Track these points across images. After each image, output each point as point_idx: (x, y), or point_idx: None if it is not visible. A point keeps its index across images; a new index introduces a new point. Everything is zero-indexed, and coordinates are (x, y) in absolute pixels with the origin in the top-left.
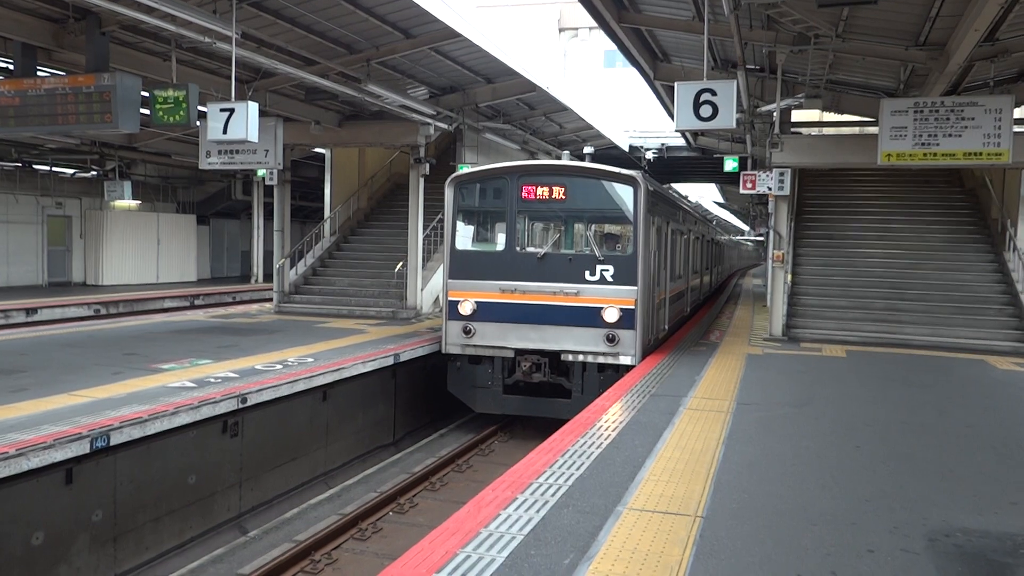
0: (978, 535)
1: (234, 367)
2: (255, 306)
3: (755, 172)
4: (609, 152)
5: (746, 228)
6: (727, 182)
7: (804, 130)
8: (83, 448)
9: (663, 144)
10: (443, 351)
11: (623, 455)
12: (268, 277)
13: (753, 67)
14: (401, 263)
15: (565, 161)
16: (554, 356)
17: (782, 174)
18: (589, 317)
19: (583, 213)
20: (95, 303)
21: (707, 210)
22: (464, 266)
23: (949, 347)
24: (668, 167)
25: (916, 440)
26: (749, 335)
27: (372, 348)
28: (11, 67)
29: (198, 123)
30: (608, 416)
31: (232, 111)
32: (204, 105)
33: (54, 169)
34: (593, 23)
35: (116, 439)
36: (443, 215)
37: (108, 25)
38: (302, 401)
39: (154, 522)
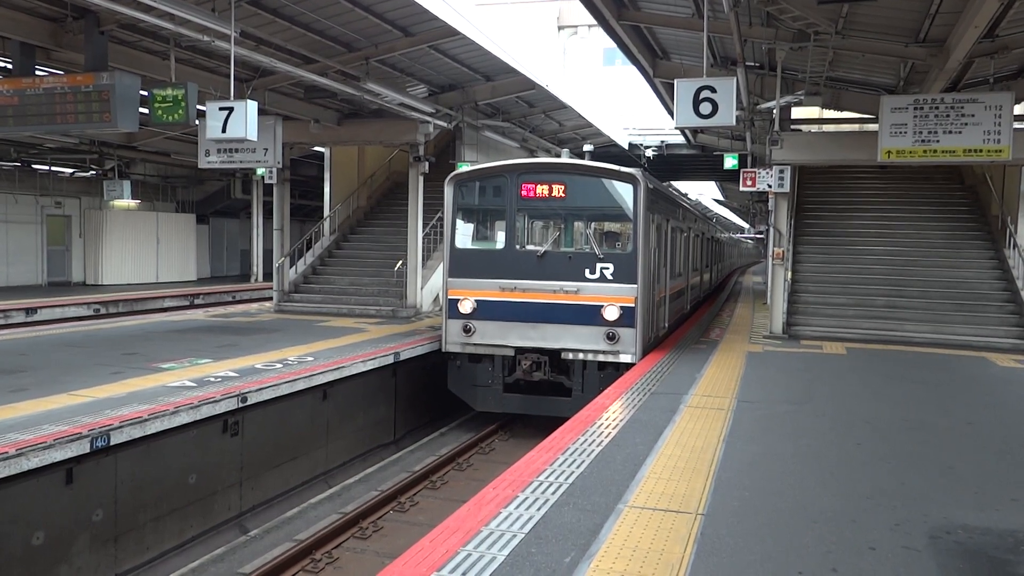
0: (979, 532)
1: (234, 366)
2: (255, 305)
3: (755, 169)
4: (609, 150)
5: (746, 225)
6: (727, 179)
7: (804, 127)
8: (83, 448)
9: (663, 142)
10: (443, 350)
11: (624, 453)
12: (268, 276)
13: (753, 64)
14: (401, 262)
15: (565, 159)
16: (554, 354)
17: (782, 171)
18: (589, 315)
19: (583, 211)
20: (95, 303)
21: (707, 208)
22: (464, 264)
23: (949, 344)
24: (668, 165)
25: (916, 437)
26: (749, 333)
27: (372, 347)
28: (10, 66)
29: (197, 122)
30: (608, 414)
31: (231, 110)
32: (203, 104)
33: (53, 168)
34: (592, 21)
35: (116, 439)
36: (443, 213)
37: (107, 24)
38: (302, 400)
39: (155, 522)
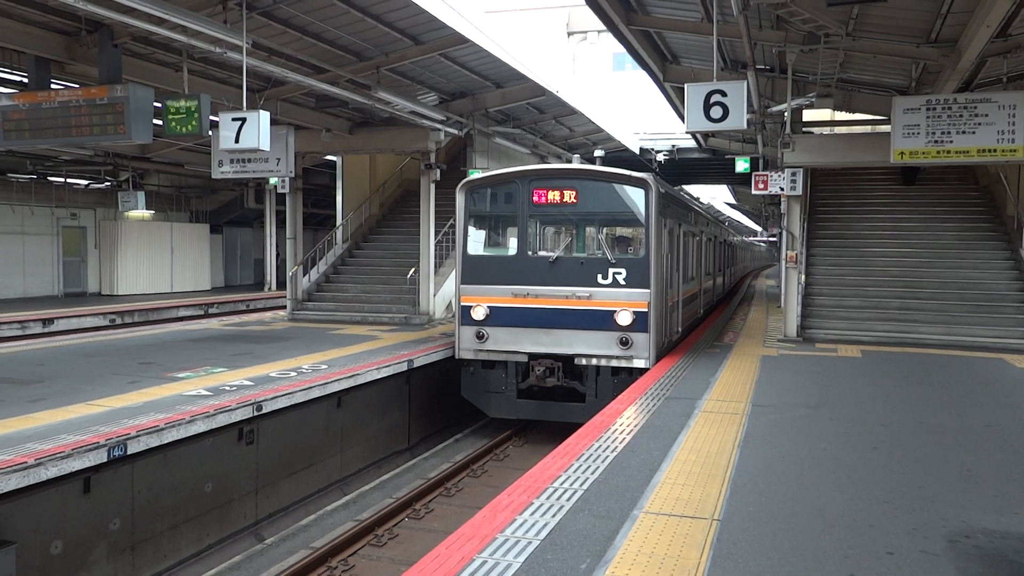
0: (999, 536)
1: (249, 375)
2: (269, 314)
3: (767, 172)
4: (620, 155)
5: (759, 229)
6: (739, 183)
7: (816, 129)
8: (101, 457)
9: (674, 146)
10: (456, 356)
11: (638, 458)
12: (281, 285)
13: (763, 67)
14: (413, 269)
15: (576, 164)
16: (567, 360)
17: (794, 174)
18: (602, 320)
19: (595, 216)
20: (110, 313)
21: (719, 211)
22: (476, 271)
23: (965, 346)
24: (679, 169)
25: (933, 440)
26: (763, 336)
27: (386, 354)
28: (25, 80)
29: (210, 133)
30: (623, 419)
31: (244, 120)
32: (216, 115)
33: (68, 180)
34: (602, 26)
35: (133, 448)
36: (454, 220)
37: (120, 37)
38: (317, 408)
39: (172, 530)
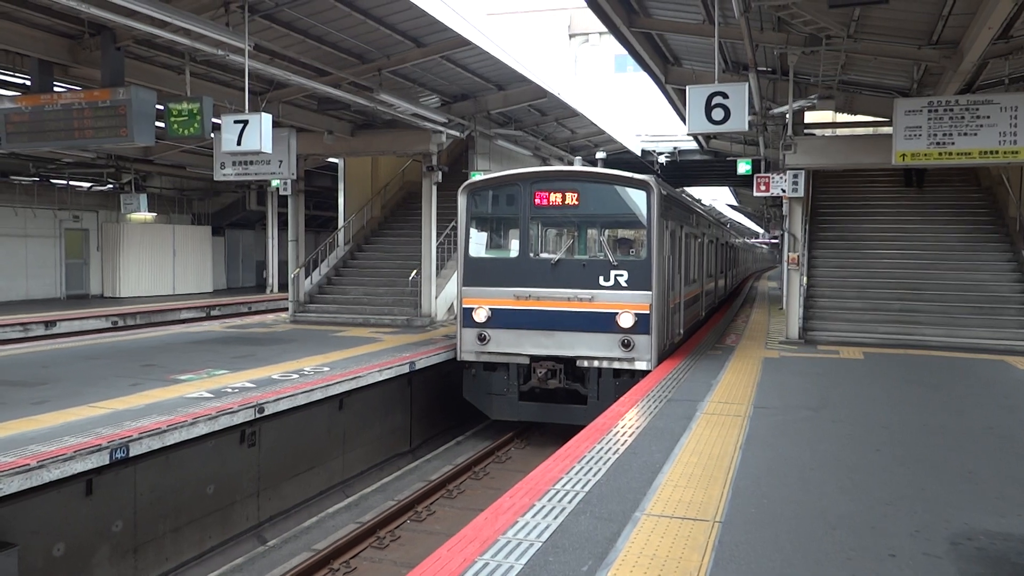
0: (1001, 538)
1: (251, 377)
2: (271, 316)
3: (769, 174)
4: (621, 157)
5: (760, 230)
6: (740, 184)
7: (817, 131)
8: (103, 459)
9: (675, 148)
10: (458, 358)
11: (640, 461)
12: (283, 287)
13: (765, 69)
14: (415, 271)
15: (577, 167)
16: (569, 362)
17: (796, 176)
18: (604, 322)
19: (596, 218)
20: (113, 315)
21: (721, 213)
22: (478, 273)
23: (968, 348)
24: (681, 170)
25: (935, 442)
26: (765, 338)
27: (388, 356)
28: (28, 83)
29: (212, 135)
30: (624, 422)
31: (246, 123)
32: (218, 117)
33: (71, 183)
34: (603, 28)
35: (135, 450)
36: (456, 222)
37: (123, 40)
38: (319, 410)
39: (174, 532)
